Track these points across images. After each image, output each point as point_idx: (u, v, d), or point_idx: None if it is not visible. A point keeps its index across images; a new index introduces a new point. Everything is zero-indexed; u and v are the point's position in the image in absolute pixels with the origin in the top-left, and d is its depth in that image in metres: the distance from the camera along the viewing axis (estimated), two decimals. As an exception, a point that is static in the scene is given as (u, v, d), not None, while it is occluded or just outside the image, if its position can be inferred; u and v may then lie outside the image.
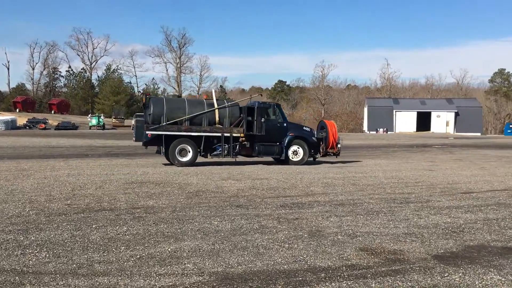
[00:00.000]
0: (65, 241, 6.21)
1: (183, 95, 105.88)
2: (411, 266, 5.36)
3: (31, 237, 6.37)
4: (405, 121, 77.65)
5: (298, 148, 17.86)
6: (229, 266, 5.29)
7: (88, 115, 73.19)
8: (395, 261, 5.54)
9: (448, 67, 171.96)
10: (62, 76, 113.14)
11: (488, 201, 9.90)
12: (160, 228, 6.97)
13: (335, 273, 5.08)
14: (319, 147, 18.39)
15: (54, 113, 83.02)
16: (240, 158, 18.33)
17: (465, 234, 6.95)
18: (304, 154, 17.90)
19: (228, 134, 17.01)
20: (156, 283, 4.70)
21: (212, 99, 17.64)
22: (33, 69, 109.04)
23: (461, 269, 5.26)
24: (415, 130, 75.68)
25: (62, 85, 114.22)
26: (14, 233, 6.54)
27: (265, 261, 5.47)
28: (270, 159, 18.89)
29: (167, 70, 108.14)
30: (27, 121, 62.08)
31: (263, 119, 17.29)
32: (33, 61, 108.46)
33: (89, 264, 5.27)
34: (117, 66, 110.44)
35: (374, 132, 73.56)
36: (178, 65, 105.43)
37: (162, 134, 16.52)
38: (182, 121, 16.81)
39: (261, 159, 18.80)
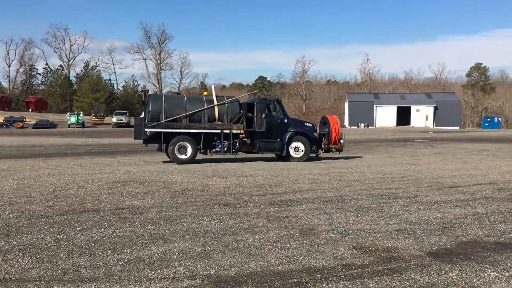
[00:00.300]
0: (49, 245, 5.96)
1: (163, 91, 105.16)
2: (407, 264, 5.27)
3: (12, 241, 6.10)
4: (385, 116, 78.33)
5: (299, 144, 17.64)
6: (222, 268, 5.12)
7: (66, 113, 72.07)
8: (390, 259, 5.44)
9: (427, 62, 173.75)
10: (39, 74, 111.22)
11: (475, 195, 9.91)
12: (147, 230, 6.76)
13: (331, 273, 4.96)
14: (320, 143, 18.14)
15: (31, 111, 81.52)
16: (241, 155, 18.12)
17: (457, 229, 6.90)
18: (306, 150, 17.64)
19: (228, 131, 16.81)
20: (147, 289, 4.52)
21: (212, 96, 17.42)
22: (9, 66, 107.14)
23: (457, 266, 5.19)
24: (395, 124, 76.40)
25: (39, 82, 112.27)
26: (-6, 238, 6.26)
27: (258, 262, 5.32)
28: (271, 155, 18.70)
29: (147, 66, 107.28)
30: (3, 120, 60.80)
31: (263, 115, 17.09)
32: (9, 58, 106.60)
33: (75, 270, 5.05)
34: (96, 63, 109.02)
35: (355, 127, 73.98)
36: (158, 62, 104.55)
37: (161, 132, 16.35)
38: (181, 118, 16.64)
39: (262, 155, 18.54)
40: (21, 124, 58.28)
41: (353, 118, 79.28)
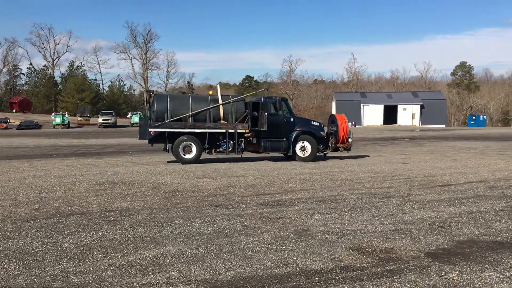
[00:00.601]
0: (36, 250, 5.75)
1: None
2: (406, 265, 5.17)
3: (-3, 247, 5.88)
4: (372, 115, 78.69)
5: (305, 143, 17.41)
6: (217, 272, 4.96)
7: (51, 114, 71.03)
8: (388, 261, 5.33)
9: (412, 61, 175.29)
10: (23, 74, 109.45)
11: (467, 194, 9.88)
12: (138, 233, 6.57)
13: (329, 276, 4.83)
14: (328, 142, 17.90)
15: (15, 112, 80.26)
16: (247, 154, 17.92)
17: (453, 229, 6.82)
18: (312, 149, 17.38)
19: (233, 130, 16.64)
20: (140, 295, 4.34)
21: (217, 95, 17.23)
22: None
23: (457, 267, 5.10)
24: (382, 123, 76.79)
25: (24, 83, 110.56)
26: (-22, 243, 6.03)
27: (254, 265, 5.17)
28: (277, 154, 18.50)
29: (133, 66, 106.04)
30: (-13, 121, 59.70)
31: (269, 114, 16.94)
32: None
33: (64, 276, 4.85)
34: (81, 62, 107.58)
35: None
36: (144, 61, 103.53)
37: (165, 131, 16.19)
38: (186, 118, 16.48)
39: (267, 155, 18.38)
40: (4, 125, 57.29)
41: (340, 117, 79.41)
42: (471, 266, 5.12)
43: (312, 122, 18.72)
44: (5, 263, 5.23)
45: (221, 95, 17.28)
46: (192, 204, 8.71)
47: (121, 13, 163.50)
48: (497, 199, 9.22)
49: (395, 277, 4.80)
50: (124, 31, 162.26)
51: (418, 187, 10.85)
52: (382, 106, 79.56)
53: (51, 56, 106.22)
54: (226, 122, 16.78)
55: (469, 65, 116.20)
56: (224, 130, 16.63)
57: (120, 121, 68.25)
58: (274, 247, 5.84)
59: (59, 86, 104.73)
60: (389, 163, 16.69)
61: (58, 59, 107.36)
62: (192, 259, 5.39)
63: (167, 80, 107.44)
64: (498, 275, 4.86)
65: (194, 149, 16.34)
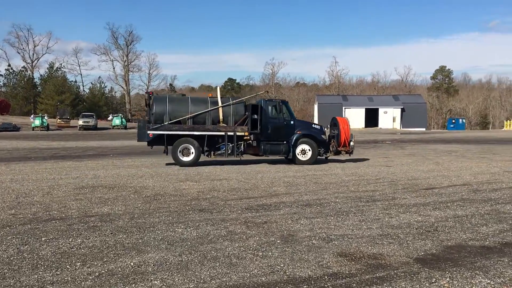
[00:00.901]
0: (11, 258, 5.49)
1: (131, 94, 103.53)
2: (395, 272, 5.05)
3: (-30, 255, 5.60)
4: (354, 118, 78.88)
5: (306, 147, 17.23)
6: (202, 281, 4.78)
7: (30, 116, 69.76)
8: (377, 267, 5.21)
9: (393, 65, 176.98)
10: (1, 75, 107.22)
11: (452, 197, 9.86)
12: (119, 239, 6.35)
13: (318, 284, 4.69)
14: (329, 145, 17.75)
15: (-7, 114, 78.61)
16: (246, 157, 17.68)
17: (440, 233, 6.75)
18: (313, 153, 17.21)
19: (232, 133, 16.43)
20: (121, 306, 4.14)
21: (217, 97, 17.00)
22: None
23: (447, 273, 5.00)
24: (363, 126, 77.26)
25: (1, 84, 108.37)
26: (-51, 251, 5.73)
27: (240, 273, 5.00)
28: (277, 158, 18.29)
29: (114, 68, 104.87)
30: (-37, 123, 58.33)
31: (269, 117, 16.76)
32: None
33: (41, 286, 4.62)
34: (61, 64, 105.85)
35: (325, 129, 74.36)
36: (126, 63, 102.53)
37: (164, 134, 15.95)
38: (185, 120, 16.24)
39: (267, 158, 18.15)
40: (-18, 127, 56.06)
41: (322, 120, 79.42)
42: (461, 272, 5.04)
43: (313, 125, 18.60)
44: (-22, 273, 4.97)
45: (221, 97, 17.09)
46: (175, 208, 8.50)
47: (102, 14, 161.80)
48: (481, 203, 9.21)
49: (385, 284, 4.68)
50: (105, 32, 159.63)
51: (403, 190, 10.81)
52: (364, 109, 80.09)
53: (30, 57, 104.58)
54: (225, 125, 16.57)
55: (448, 69, 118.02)
56: (223, 133, 16.45)
57: (101, 123, 67.40)
58: (260, 254, 5.68)
59: (39, 88, 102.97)
60: (372, 165, 16.66)
61: (38, 60, 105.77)
62: (176, 266, 5.20)
63: (148, 82, 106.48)
64: (489, 281, 4.78)
65: (192, 151, 16.15)
